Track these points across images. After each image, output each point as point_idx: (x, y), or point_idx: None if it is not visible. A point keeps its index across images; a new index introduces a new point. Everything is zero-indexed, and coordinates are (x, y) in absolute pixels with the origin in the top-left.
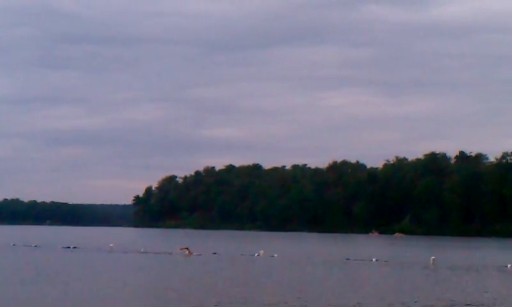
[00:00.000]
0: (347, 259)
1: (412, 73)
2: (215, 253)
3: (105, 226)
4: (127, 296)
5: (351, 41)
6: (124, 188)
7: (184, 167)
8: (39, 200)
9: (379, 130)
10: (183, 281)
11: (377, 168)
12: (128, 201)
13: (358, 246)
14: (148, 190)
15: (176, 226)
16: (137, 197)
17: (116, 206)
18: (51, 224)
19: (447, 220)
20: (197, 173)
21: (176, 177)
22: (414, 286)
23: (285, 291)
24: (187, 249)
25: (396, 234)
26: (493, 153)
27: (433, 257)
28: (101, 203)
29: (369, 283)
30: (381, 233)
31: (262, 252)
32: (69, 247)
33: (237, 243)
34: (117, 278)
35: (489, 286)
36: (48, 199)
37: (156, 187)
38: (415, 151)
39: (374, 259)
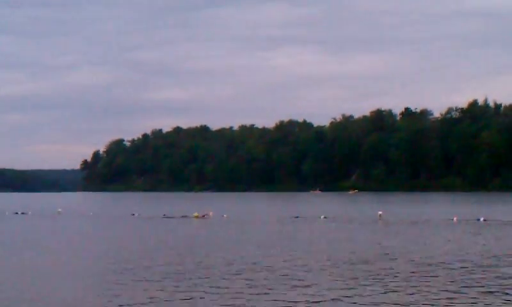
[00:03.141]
0: (296, 217)
1: (355, 31)
2: (165, 215)
3: (53, 191)
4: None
5: (293, 0)
6: (71, 153)
7: (131, 131)
8: None
9: (325, 89)
10: (134, 242)
11: (324, 126)
12: (76, 165)
13: (307, 204)
14: (96, 154)
15: (126, 190)
16: (85, 162)
17: (64, 171)
18: None
19: (394, 176)
20: (144, 135)
21: (123, 140)
22: (358, 241)
23: (235, 251)
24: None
25: (350, 190)
26: (437, 109)
27: (380, 212)
28: (48, 168)
29: (316, 239)
30: (323, 190)
31: (211, 213)
32: (17, 213)
33: (186, 204)
34: (63, 241)
35: (434, 239)
36: None
37: (104, 151)
38: (361, 109)
39: (322, 217)
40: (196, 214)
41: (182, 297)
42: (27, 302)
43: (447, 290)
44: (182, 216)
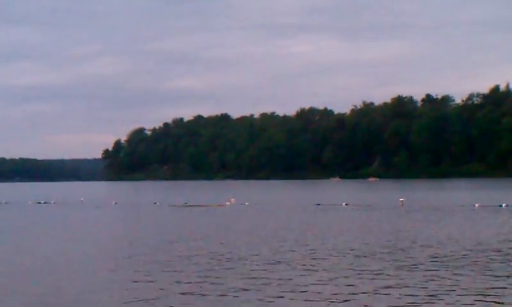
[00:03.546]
0: (318, 204)
1: (375, 18)
2: (186, 203)
3: (75, 181)
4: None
5: None
6: (93, 143)
7: (152, 120)
8: (7, 157)
9: (345, 76)
10: (159, 230)
11: (344, 114)
12: (98, 155)
13: (328, 192)
14: (117, 144)
15: (147, 178)
16: (106, 151)
17: (86, 160)
18: (20, 180)
19: (416, 163)
20: (165, 124)
21: (144, 129)
22: (383, 228)
23: (260, 237)
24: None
25: (370, 178)
26: (458, 95)
27: (402, 199)
28: (70, 157)
29: (339, 226)
30: (342, 178)
31: (233, 200)
32: (40, 203)
33: (208, 192)
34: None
35: (456, 225)
36: (16, 156)
37: (125, 140)
38: (382, 95)
39: (344, 204)
40: (215, 204)
41: (211, 282)
42: (48, 291)
43: (471, 276)
44: (204, 204)
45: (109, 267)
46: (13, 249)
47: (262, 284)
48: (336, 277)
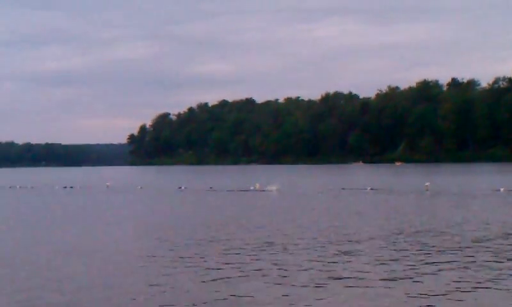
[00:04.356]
0: (343, 188)
1: (400, 1)
2: (211, 188)
3: (100, 165)
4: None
5: None
6: (118, 128)
7: (177, 104)
8: (33, 142)
9: (370, 60)
10: (181, 215)
11: (370, 98)
12: (123, 140)
13: (352, 176)
14: (143, 128)
15: (172, 163)
16: (131, 136)
17: (111, 145)
18: (46, 165)
19: (442, 147)
20: (190, 109)
21: (169, 114)
22: (407, 213)
23: (282, 222)
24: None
25: (396, 163)
26: (484, 79)
27: (427, 183)
28: (96, 142)
29: (363, 211)
30: (365, 162)
31: (258, 185)
32: (66, 187)
33: (233, 177)
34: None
35: (480, 210)
36: (42, 141)
37: (150, 125)
38: (407, 79)
39: (368, 189)
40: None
41: (249, 268)
42: (76, 276)
43: (499, 261)
44: (239, 189)
45: (139, 249)
46: (39, 234)
47: (295, 265)
48: (376, 262)
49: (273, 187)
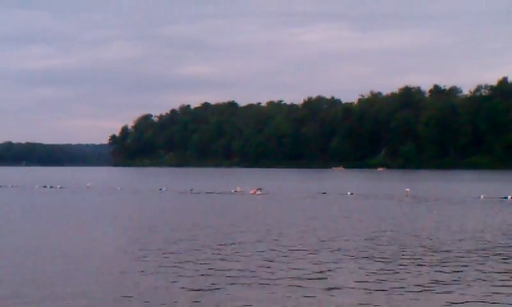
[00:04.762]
0: (324, 193)
1: (385, 7)
2: (192, 190)
3: (81, 166)
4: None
5: None
6: (100, 128)
7: (159, 106)
8: (14, 141)
9: (353, 65)
10: (164, 216)
11: (352, 103)
12: (105, 140)
13: (333, 180)
14: (124, 130)
15: (153, 165)
16: (113, 137)
17: (93, 145)
18: (27, 165)
19: (423, 154)
20: (172, 111)
21: (151, 116)
22: (384, 218)
23: (264, 224)
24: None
25: (378, 168)
26: (467, 86)
27: (407, 189)
28: (77, 143)
29: (343, 215)
30: (346, 168)
31: (238, 188)
32: (46, 187)
33: (214, 180)
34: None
35: (458, 216)
36: (23, 140)
37: (132, 126)
38: (390, 85)
39: (349, 193)
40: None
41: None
42: (53, 275)
43: (475, 269)
44: (220, 191)
45: (110, 254)
46: (23, 234)
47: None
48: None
49: (256, 190)
